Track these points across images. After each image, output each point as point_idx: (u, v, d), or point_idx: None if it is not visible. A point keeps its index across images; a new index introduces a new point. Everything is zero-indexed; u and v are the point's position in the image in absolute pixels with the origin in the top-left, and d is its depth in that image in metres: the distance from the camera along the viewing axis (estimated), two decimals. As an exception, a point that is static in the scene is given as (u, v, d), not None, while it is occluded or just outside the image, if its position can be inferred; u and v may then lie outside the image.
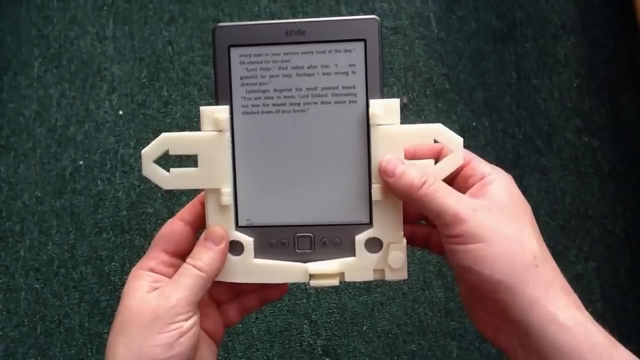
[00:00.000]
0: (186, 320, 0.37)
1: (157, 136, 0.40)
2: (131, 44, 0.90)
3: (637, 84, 0.88)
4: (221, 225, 0.40)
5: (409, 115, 0.85)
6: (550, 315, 0.34)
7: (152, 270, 0.39)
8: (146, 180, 0.84)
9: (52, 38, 0.91)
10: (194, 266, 0.38)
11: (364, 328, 0.80)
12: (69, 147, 0.86)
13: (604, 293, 0.82)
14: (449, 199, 0.36)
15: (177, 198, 0.83)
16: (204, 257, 0.39)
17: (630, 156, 0.86)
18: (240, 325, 0.79)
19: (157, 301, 0.37)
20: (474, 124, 0.86)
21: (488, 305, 0.37)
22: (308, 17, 0.86)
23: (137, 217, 0.84)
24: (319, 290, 0.80)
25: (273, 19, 0.88)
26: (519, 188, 0.38)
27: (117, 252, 0.83)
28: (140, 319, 0.36)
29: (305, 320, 0.80)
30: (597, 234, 0.84)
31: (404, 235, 0.40)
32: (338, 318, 0.80)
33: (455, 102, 0.87)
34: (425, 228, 0.43)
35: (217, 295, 0.43)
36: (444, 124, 0.39)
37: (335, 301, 0.80)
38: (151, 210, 0.84)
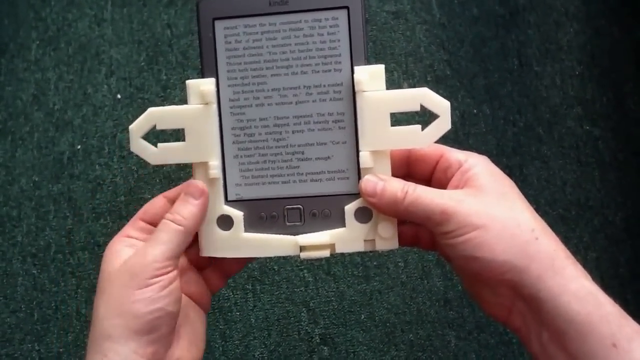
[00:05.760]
0: (165, 274, 0.36)
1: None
2: (130, 27, 0.89)
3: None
4: (201, 181, 0.39)
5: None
6: (560, 286, 0.34)
7: (129, 236, 0.39)
8: (144, 165, 0.84)
9: (49, 20, 0.90)
10: (172, 220, 0.38)
11: (362, 317, 0.79)
12: (67, 131, 0.86)
13: (603, 284, 0.79)
14: (434, 199, 0.35)
15: (175, 183, 0.83)
16: (183, 210, 0.38)
17: (631, 146, 0.85)
18: (238, 314, 0.79)
19: (134, 259, 0.37)
20: (475, 111, 0.86)
21: (497, 288, 0.36)
22: None
23: (135, 203, 0.83)
24: (317, 278, 0.80)
25: None
26: (519, 176, 0.38)
27: (115, 238, 0.82)
28: (119, 279, 0.36)
29: (303, 309, 0.79)
30: (597, 224, 0.84)
31: None
32: (336, 306, 0.79)
33: (456, 89, 0.86)
34: (412, 227, 0.42)
35: (198, 260, 0.42)
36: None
37: (334, 289, 0.80)
38: (149, 196, 0.83)
